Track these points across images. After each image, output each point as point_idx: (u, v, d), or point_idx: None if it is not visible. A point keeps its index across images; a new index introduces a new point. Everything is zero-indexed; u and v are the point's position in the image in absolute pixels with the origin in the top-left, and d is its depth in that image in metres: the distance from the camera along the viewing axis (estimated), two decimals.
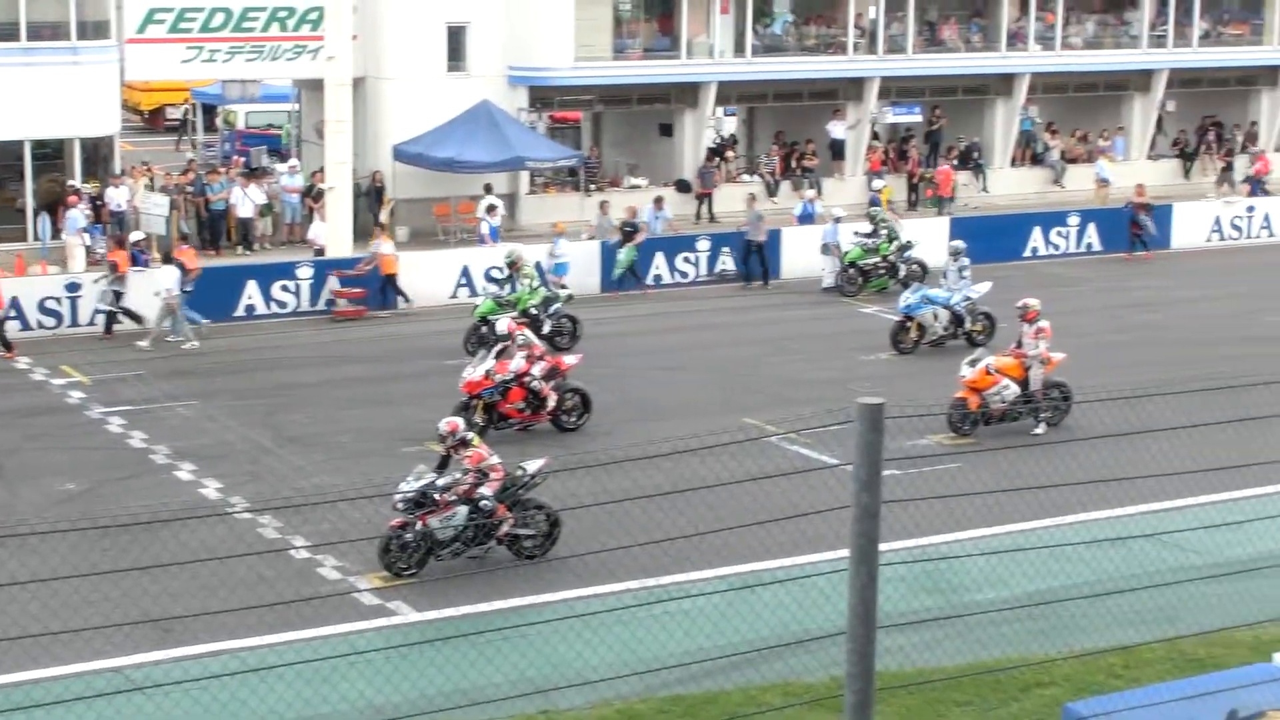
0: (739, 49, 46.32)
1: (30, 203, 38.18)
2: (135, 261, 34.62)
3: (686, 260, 38.55)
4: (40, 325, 32.58)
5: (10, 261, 35.10)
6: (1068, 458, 21.60)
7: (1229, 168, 51.85)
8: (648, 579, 18.39)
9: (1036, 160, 51.68)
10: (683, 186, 45.90)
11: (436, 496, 19.79)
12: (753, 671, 16.56)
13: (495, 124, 41.93)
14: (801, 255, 38.86)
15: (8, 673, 16.30)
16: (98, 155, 39.65)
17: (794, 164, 47.77)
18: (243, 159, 46.22)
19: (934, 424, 25.42)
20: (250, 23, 40.31)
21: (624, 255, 37.16)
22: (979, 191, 49.34)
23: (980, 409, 25.64)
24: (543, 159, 43.04)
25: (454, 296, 35.93)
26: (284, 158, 45.50)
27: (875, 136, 49.39)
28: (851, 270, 37.29)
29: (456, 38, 42.82)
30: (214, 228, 40.65)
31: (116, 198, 38.62)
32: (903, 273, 36.76)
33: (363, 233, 37.96)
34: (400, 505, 19.71)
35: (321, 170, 39.24)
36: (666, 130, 47.02)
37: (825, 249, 37.96)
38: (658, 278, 38.08)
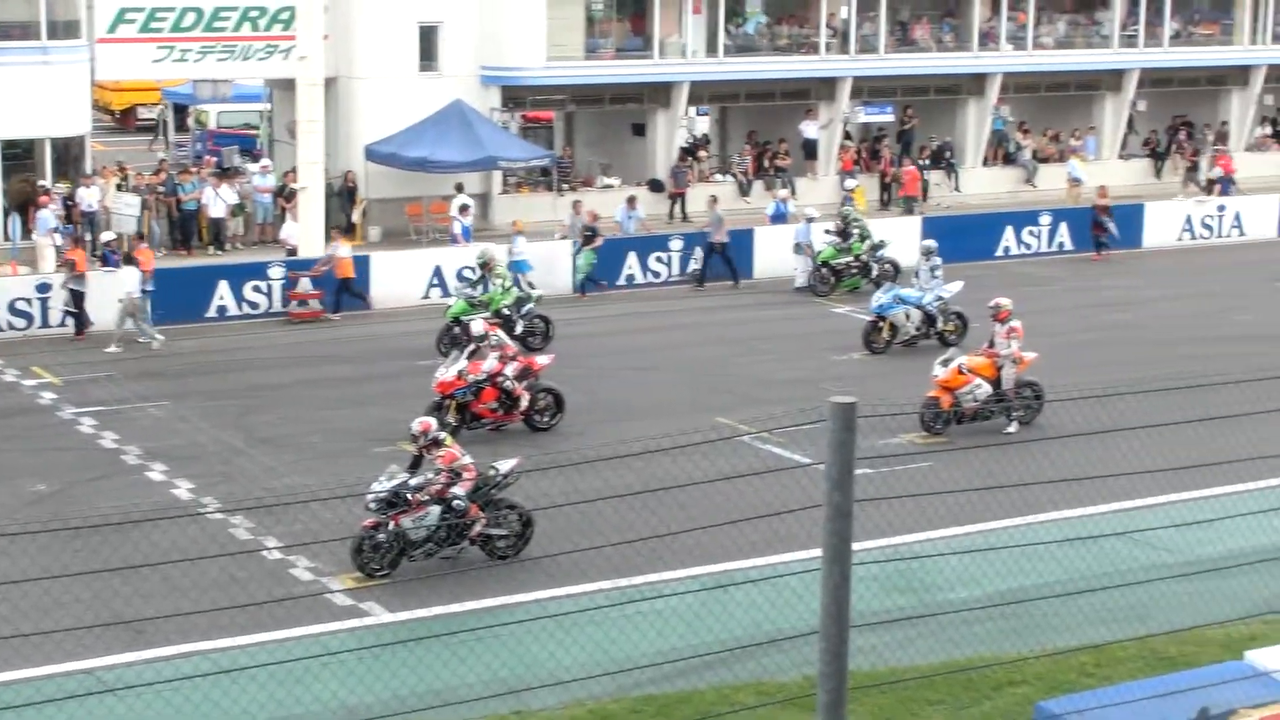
0: (711, 49, 46.36)
1: (0, 203, 38.03)
2: (106, 262, 34.50)
3: (659, 260, 38.51)
4: (10, 326, 32.37)
5: None
6: (1040, 456, 21.70)
7: (1194, 168, 52.04)
8: (620, 579, 18.41)
9: (1008, 160, 51.79)
10: (655, 186, 45.90)
11: (409, 497, 19.77)
12: (726, 671, 16.57)
13: (468, 124, 41.90)
14: (774, 255, 38.88)
15: None
16: (69, 155, 39.52)
17: (767, 164, 47.82)
18: (214, 159, 46.06)
19: (906, 423, 25.48)
20: (221, 22, 40.25)
21: (583, 260, 37.11)
22: (951, 191, 49.44)
23: (953, 408, 25.72)
24: (515, 159, 43.02)
25: (426, 297, 35.83)
26: (256, 157, 45.38)
27: (848, 136, 49.46)
28: (824, 270, 37.32)
29: (428, 37, 42.78)
30: (185, 228, 40.51)
31: (88, 198, 38.50)
32: (875, 272, 36.80)
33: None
34: (373, 505, 19.68)
35: (293, 170, 39.10)
36: (639, 130, 47.04)
37: (798, 248, 37.94)
38: (630, 277, 38.07)
